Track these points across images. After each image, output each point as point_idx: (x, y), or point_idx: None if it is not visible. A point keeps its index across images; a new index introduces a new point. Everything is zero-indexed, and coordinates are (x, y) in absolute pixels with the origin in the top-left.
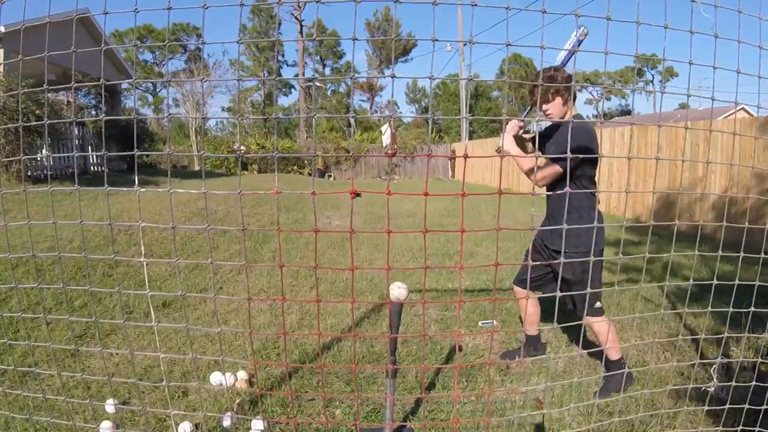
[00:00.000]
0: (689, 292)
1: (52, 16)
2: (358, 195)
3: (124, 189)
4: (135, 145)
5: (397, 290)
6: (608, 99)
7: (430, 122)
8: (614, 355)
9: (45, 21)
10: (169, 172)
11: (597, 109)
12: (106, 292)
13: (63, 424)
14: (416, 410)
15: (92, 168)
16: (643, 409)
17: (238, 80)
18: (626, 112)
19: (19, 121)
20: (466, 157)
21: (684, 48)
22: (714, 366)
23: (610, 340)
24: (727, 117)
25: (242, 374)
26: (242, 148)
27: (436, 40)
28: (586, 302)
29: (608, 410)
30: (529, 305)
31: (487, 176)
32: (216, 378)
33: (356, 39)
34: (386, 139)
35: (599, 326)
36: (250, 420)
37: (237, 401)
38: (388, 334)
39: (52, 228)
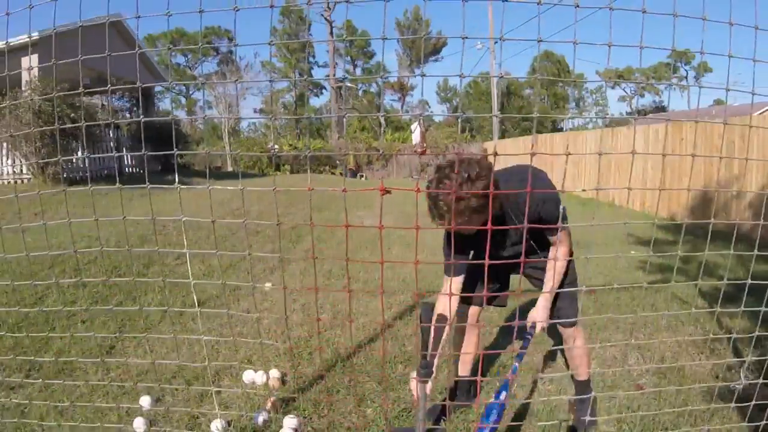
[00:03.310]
0: (722, 292)
1: (85, 21)
2: (388, 192)
3: (165, 186)
4: (174, 145)
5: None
6: (642, 96)
7: (459, 121)
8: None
9: (79, 26)
10: (207, 172)
11: (630, 106)
12: (151, 280)
13: (97, 420)
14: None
15: (127, 169)
16: (678, 412)
17: (270, 81)
18: (660, 108)
19: (55, 124)
20: (495, 154)
21: (718, 43)
22: (744, 365)
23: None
24: (762, 113)
25: (275, 372)
26: (276, 146)
27: (466, 38)
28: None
29: (634, 409)
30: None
31: None
32: (248, 376)
33: (386, 38)
34: (416, 137)
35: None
36: (283, 418)
37: (270, 399)
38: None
39: (88, 228)
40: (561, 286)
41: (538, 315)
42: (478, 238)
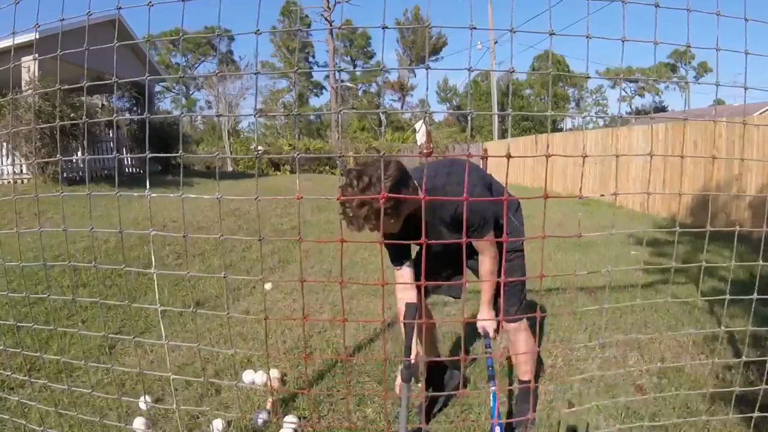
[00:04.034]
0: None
1: (81, 21)
2: (388, 200)
3: (136, 194)
4: (147, 148)
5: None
6: (642, 96)
7: (470, 119)
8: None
9: (80, 26)
10: (181, 178)
11: (631, 106)
12: (118, 304)
13: (96, 420)
14: (449, 411)
15: (127, 170)
16: (678, 413)
17: (256, 74)
18: (660, 108)
19: (33, 124)
20: (509, 157)
21: (714, 41)
22: None
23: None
24: (762, 113)
25: (275, 373)
26: (260, 148)
27: (474, 28)
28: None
29: (639, 413)
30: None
31: (521, 176)
32: (248, 376)
33: (386, 27)
34: (420, 137)
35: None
36: (283, 418)
37: (270, 399)
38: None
39: (88, 227)
40: (499, 284)
41: (485, 322)
42: (409, 235)
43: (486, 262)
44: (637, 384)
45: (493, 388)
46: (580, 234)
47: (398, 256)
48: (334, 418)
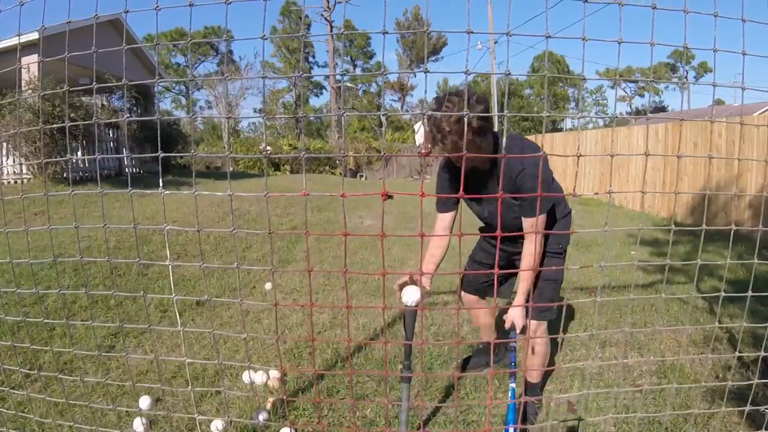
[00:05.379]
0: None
1: (83, 21)
2: (389, 197)
3: (149, 191)
4: (159, 147)
5: (407, 296)
6: (641, 96)
7: (465, 119)
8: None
9: (79, 25)
10: (193, 174)
11: (630, 106)
12: (132, 296)
13: (96, 420)
14: (449, 412)
15: (126, 170)
16: (678, 411)
17: (263, 77)
18: (660, 108)
19: (40, 123)
20: (504, 156)
21: (712, 42)
22: None
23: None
24: (762, 113)
25: (275, 373)
26: (268, 148)
27: (471, 32)
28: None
29: (635, 409)
30: (485, 313)
31: None
32: (248, 376)
33: (386, 32)
34: (419, 137)
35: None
36: (281, 418)
37: (270, 400)
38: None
39: (88, 228)
40: (538, 276)
41: (516, 315)
42: (467, 182)
43: (529, 249)
44: (637, 384)
45: (513, 384)
46: (573, 230)
47: (445, 202)
48: (334, 419)
